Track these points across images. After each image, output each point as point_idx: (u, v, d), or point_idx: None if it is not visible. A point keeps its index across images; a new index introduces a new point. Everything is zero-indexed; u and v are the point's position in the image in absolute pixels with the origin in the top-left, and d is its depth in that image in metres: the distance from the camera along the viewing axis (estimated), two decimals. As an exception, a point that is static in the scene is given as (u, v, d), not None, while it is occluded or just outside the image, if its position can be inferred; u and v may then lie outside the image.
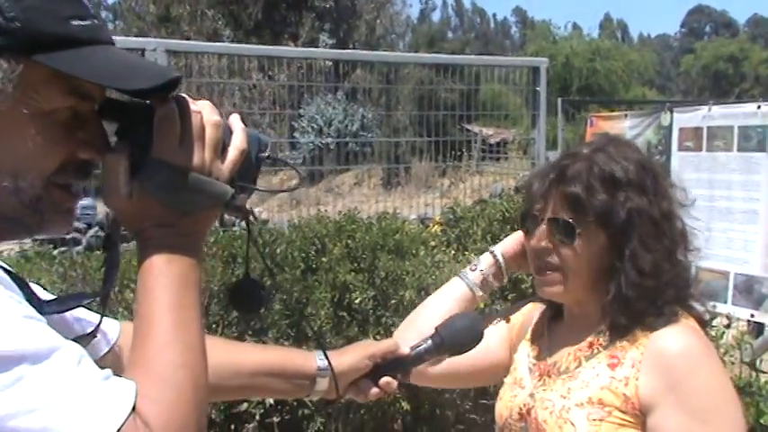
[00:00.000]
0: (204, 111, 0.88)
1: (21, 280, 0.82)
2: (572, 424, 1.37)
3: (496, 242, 5.16)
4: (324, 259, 3.70)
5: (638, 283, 1.38)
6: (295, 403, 3.59)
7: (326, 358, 1.29)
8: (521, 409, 1.50)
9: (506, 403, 1.56)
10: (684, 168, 4.21)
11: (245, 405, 3.51)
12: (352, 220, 3.97)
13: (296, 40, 20.41)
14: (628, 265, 1.38)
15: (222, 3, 21.54)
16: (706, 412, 1.31)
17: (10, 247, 3.99)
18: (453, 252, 4.47)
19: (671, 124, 4.57)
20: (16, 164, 0.81)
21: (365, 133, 8.92)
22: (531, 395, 1.50)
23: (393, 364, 1.36)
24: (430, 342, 1.37)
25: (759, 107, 4.16)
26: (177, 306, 0.82)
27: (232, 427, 3.63)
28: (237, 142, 0.90)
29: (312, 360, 1.32)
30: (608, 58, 25.37)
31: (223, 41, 16.64)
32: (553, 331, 1.58)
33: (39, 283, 0.99)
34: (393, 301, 3.69)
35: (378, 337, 3.51)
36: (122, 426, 0.70)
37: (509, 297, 4.21)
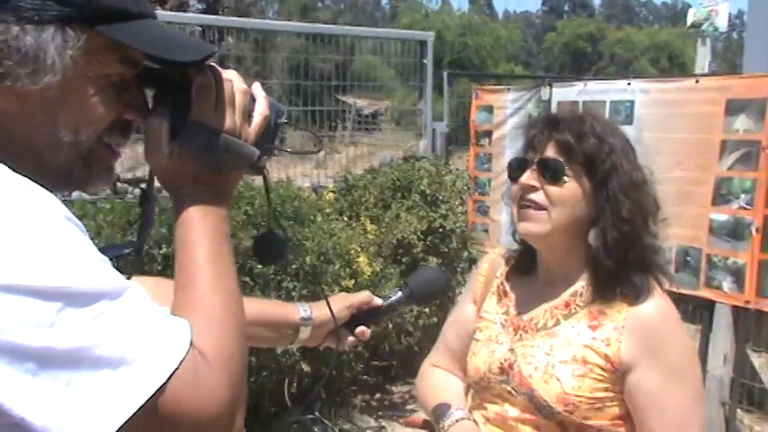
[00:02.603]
0: (234, 79, 0.96)
1: None
2: (557, 379, 1.48)
3: (388, 210, 5.26)
4: (225, 226, 3.73)
5: (617, 226, 1.48)
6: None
7: (322, 309, 1.40)
8: (501, 363, 1.58)
9: (484, 359, 1.61)
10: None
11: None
12: (250, 186, 4.01)
13: (163, 4, 19.67)
14: (609, 208, 1.48)
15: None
16: (679, 369, 1.49)
17: None
18: (346, 219, 4.61)
19: (550, 98, 4.87)
20: (77, 120, 0.88)
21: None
22: (512, 350, 1.58)
23: (367, 314, 1.47)
24: (400, 294, 1.49)
25: (629, 84, 4.52)
26: (214, 255, 0.90)
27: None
28: (261, 108, 0.99)
29: (295, 311, 1.41)
30: (477, 34, 26.12)
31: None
32: (523, 286, 1.65)
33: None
34: (293, 267, 3.78)
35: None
36: (186, 354, 0.79)
37: (403, 260, 4.41)
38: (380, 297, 1.50)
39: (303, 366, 3.86)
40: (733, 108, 3.97)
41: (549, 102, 4.82)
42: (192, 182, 0.94)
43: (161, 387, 0.76)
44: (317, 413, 4.21)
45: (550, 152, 1.53)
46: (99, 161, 0.93)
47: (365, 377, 4.85)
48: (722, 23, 5.63)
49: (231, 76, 0.96)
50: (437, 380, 1.76)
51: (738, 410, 4.24)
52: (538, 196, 1.53)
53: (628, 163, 1.52)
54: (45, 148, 0.87)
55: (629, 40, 36.99)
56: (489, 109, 5.41)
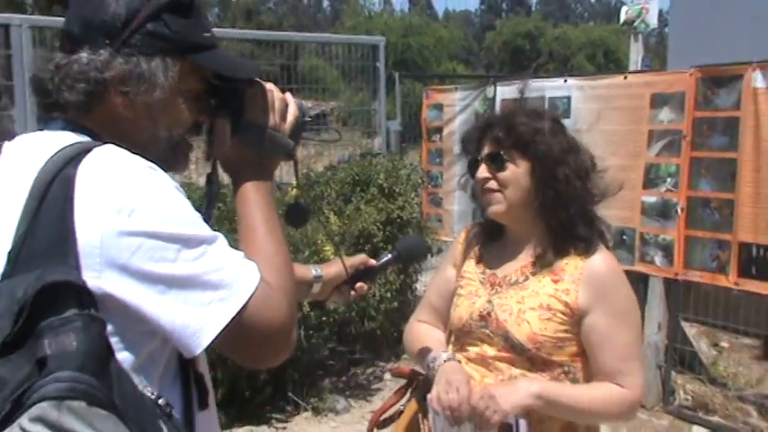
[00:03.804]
0: (274, 90, 1.31)
1: None
2: (528, 322, 1.83)
3: (349, 204, 5.58)
4: (201, 221, 4.00)
5: (551, 186, 1.81)
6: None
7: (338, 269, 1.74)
8: (481, 312, 1.92)
9: (466, 309, 1.95)
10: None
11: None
12: (220, 186, 4.27)
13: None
14: (544, 175, 1.82)
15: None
16: (624, 313, 1.84)
17: None
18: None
19: (494, 96, 5.26)
20: (171, 122, 1.22)
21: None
22: (489, 301, 1.92)
23: (364, 272, 1.79)
24: (390, 256, 1.83)
25: (565, 81, 4.94)
26: (268, 217, 1.23)
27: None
28: (293, 110, 1.34)
29: (309, 270, 1.74)
30: (420, 34, 26.66)
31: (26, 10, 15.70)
32: (496, 251, 2.00)
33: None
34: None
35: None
36: (259, 283, 1.11)
37: (365, 249, 4.74)
38: (374, 259, 1.83)
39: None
40: (657, 101, 4.41)
41: (493, 99, 5.21)
42: (247, 165, 1.27)
43: (245, 304, 1.09)
44: (289, 393, 4.50)
45: (490, 147, 1.89)
46: (182, 152, 1.27)
47: (331, 362, 5.16)
48: (653, 20, 5.94)
49: (271, 87, 1.30)
50: (423, 331, 2.10)
51: (673, 372, 4.69)
52: (492, 184, 1.88)
53: (553, 136, 1.86)
54: (148, 142, 1.21)
55: (566, 38, 37.89)
56: (439, 107, 5.78)
